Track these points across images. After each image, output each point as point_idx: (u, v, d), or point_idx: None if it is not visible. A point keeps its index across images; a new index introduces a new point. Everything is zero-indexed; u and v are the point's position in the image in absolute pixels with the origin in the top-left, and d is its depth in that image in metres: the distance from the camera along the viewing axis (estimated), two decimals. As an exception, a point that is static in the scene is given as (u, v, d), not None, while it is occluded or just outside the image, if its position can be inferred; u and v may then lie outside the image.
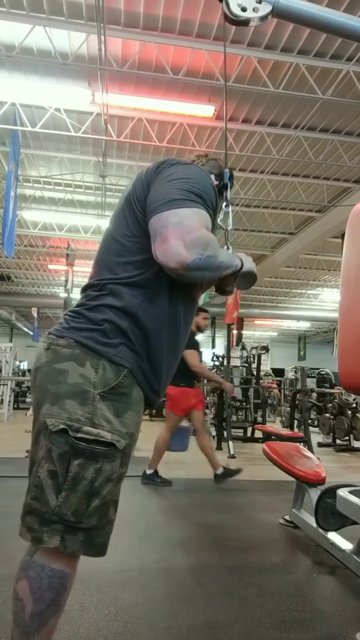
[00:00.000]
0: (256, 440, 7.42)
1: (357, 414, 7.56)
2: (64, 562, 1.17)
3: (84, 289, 1.31)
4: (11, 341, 18.30)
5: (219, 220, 1.48)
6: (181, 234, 1.13)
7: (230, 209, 1.49)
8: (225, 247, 1.41)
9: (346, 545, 2.51)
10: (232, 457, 5.97)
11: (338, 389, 8.57)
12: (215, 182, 1.43)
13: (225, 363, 10.03)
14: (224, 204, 1.48)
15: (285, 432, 6.22)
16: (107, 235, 1.34)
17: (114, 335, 1.21)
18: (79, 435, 1.14)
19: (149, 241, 1.21)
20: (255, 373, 9.37)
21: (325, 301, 17.44)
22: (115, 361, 1.20)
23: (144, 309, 1.23)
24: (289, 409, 8.19)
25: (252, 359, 9.88)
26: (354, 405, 7.65)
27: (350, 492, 2.22)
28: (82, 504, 1.13)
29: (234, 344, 14.78)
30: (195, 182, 1.22)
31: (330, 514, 2.62)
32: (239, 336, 16.29)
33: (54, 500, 1.13)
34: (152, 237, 1.18)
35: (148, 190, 1.26)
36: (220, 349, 16.19)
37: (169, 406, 4.51)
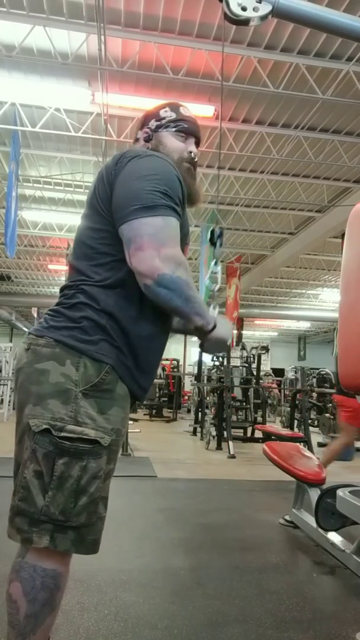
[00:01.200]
0: (256, 440, 7.42)
1: (357, 414, 7.54)
2: (56, 561, 1.16)
3: (62, 289, 1.31)
4: (11, 341, 18.33)
5: (206, 278, 1.45)
6: (156, 246, 1.13)
7: (219, 267, 1.46)
8: (211, 306, 1.36)
9: (346, 545, 2.51)
10: (232, 457, 5.97)
11: (338, 389, 8.56)
12: (171, 115, 1.39)
13: (225, 363, 10.03)
14: (214, 262, 1.44)
15: (285, 432, 6.23)
16: (77, 239, 1.34)
17: (94, 332, 1.21)
18: (63, 434, 1.14)
19: (117, 242, 1.21)
20: (255, 373, 9.37)
21: (325, 301, 17.44)
22: (96, 358, 1.19)
23: (119, 308, 1.23)
24: (289, 409, 8.19)
25: (252, 359, 9.88)
26: (354, 405, 7.64)
27: (350, 492, 2.23)
28: (69, 502, 1.13)
29: (234, 344, 14.78)
30: (160, 179, 1.20)
31: (330, 514, 2.62)
32: (239, 336, 16.30)
33: (41, 500, 1.13)
34: (126, 244, 1.18)
35: (111, 189, 1.24)
36: (220, 349, 16.16)
37: (348, 418, 4.00)
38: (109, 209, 1.24)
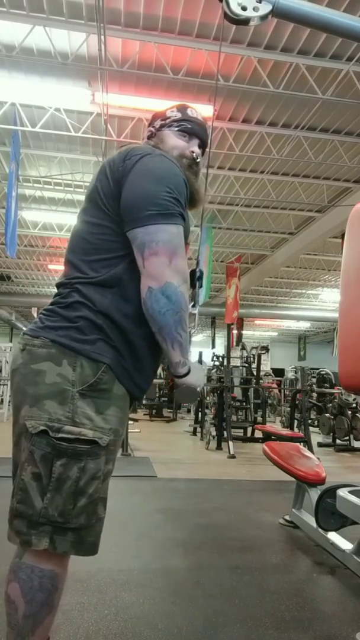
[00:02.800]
0: (256, 440, 7.42)
1: (357, 414, 7.56)
2: (53, 562, 1.16)
3: (57, 287, 1.30)
4: (11, 341, 18.32)
5: None
6: (169, 255, 1.16)
7: (197, 309, 1.41)
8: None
9: (346, 545, 2.51)
10: (232, 457, 5.97)
11: (338, 389, 8.57)
12: (176, 115, 1.41)
13: (225, 363, 10.03)
14: (191, 304, 1.37)
15: (285, 432, 6.22)
16: (74, 234, 1.33)
17: (90, 331, 1.20)
18: (60, 435, 1.13)
19: (117, 239, 1.22)
20: (255, 373, 9.37)
21: (325, 301, 17.44)
22: (93, 357, 1.18)
23: (115, 308, 1.22)
24: (289, 409, 8.20)
25: (252, 359, 9.88)
26: (354, 405, 7.65)
27: (350, 492, 2.22)
28: (68, 503, 1.12)
29: (234, 344, 14.79)
30: (173, 183, 1.21)
31: (330, 514, 2.62)
32: (239, 336, 16.30)
33: (40, 502, 1.12)
34: (139, 246, 1.18)
35: (116, 186, 1.23)
36: (220, 349, 16.20)
37: None
38: (112, 205, 1.23)
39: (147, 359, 1.29)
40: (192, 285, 1.42)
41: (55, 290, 1.33)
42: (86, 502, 1.15)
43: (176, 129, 1.41)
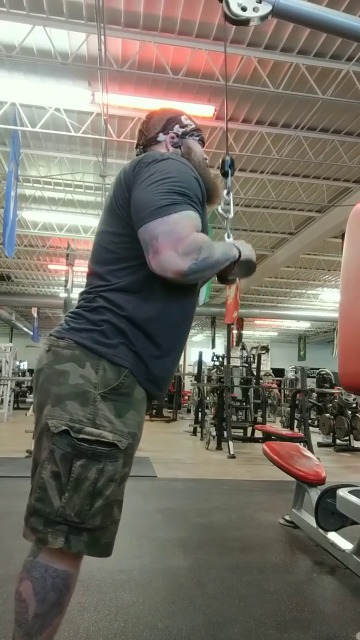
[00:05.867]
0: (256, 440, 7.42)
1: (357, 414, 7.55)
2: (67, 563, 1.17)
3: (82, 293, 1.32)
4: (11, 341, 18.32)
5: (220, 208, 1.48)
6: (173, 244, 1.13)
7: (231, 196, 1.48)
8: (226, 235, 1.45)
9: (346, 545, 2.51)
10: (232, 457, 5.97)
11: (338, 389, 8.57)
12: (192, 124, 1.46)
13: (225, 363, 10.02)
14: (225, 191, 1.47)
15: (285, 432, 6.22)
16: (96, 244, 1.34)
17: (113, 335, 1.22)
18: (81, 436, 1.14)
19: (137, 245, 1.21)
20: (255, 373, 9.37)
21: (325, 301, 17.45)
22: (115, 361, 1.20)
23: (138, 313, 1.24)
24: (289, 409, 8.19)
25: (252, 359, 9.87)
26: (354, 405, 7.65)
27: (350, 492, 2.22)
28: (85, 504, 1.13)
29: (234, 344, 14.77)
30: (176, 180, 1.21)
31: (330, 514, 2.62)
32: (239, 336, 16.30)
33: (58, 501, 1.13)
34: (144, 248, 1.18)
35: (129, 194, 1.24)
36: (220, 349, 16.20)
37: None
38: (128, 213, 1.24)
39: (170, 359, 1.31)
40: (224, 174, 1.48)
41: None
42: (102, 503, 1.15)
43: (197, 138, 1.47)
